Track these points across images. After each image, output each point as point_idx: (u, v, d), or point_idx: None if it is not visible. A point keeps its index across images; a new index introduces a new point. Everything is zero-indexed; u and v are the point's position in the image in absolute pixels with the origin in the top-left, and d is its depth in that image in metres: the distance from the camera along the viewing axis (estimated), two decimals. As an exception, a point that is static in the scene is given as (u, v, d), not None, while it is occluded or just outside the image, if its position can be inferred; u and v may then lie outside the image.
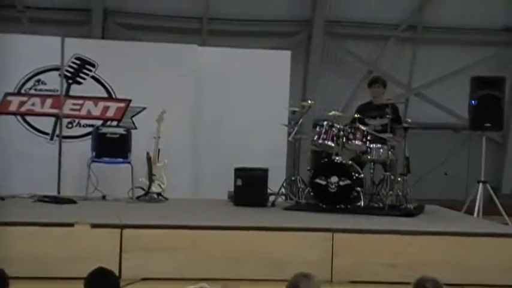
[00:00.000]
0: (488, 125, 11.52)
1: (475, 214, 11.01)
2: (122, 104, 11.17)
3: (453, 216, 10.40)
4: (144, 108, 11.14)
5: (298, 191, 10.16)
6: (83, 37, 13.35)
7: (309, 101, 10.78)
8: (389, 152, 9.85)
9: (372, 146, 9.84)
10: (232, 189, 10.32)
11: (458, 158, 11.92)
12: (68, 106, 11.08)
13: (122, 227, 7.94)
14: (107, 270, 4.72)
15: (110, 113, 11.16)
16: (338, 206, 9.60)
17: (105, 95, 11.15)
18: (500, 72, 15.43)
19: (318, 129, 10.05)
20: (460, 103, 14.09)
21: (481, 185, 11.34)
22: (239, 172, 10.24)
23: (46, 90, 11.02)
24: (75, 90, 11.11)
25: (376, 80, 10.90)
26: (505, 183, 16.49)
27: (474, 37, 16.20)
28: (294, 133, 10.40)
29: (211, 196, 10.78)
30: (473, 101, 11.54)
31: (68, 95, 11.09)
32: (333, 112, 10.27)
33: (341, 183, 9.61)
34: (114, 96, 11.16)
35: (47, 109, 11.02)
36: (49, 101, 11.03)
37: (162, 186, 10.36)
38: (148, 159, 10.35)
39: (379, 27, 16.02)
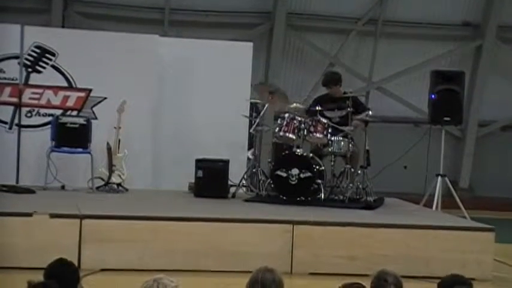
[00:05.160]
0: (448, 119, 11.60)
1: (434, 207, 11.10)
2: (82, 94, 11.07)
3: (412, 209, 10.49)
4: (104, 98, 11.05)
5: (259, 183, 10.16)
6: (43, 25, 13.20)
7: (295, 104, 10.46)
8: (350, 145, 9.90)
9: (332, 138, 9.88)
10: (193, 180, 10.30)
11: (418, 152, 11.97)
12: (27, 95, 10.95)
13: (81, 217, 7.89)
14: (67, 261, 4.68)
15: (70, 103, 11.05)
16: (298, 198, 9.63)
17: (65, 84, 11.04)
18: (460, 66, 15.59)
19: (279, 121, 10.07)
20: (420, 97, 14.23)
21: (439, 178, 11.44)
22: (200, 163, 10.22)
23: (5, 78, 10.88)
24: (34, 79, 10.98)
25: (327, 83, 10.61)
26: (463, 177, 16.68)
27: (434, 32, 16.33)
28: (255, 125, 10.40)
29: (172, 187, 10.76)
30: (433, 95, 11.62)
31: (27, 84, 10.96)
32: (294, 104, 10.29)
33: (302, 175, 9.64)
34: (74, 86, 11.05)
35: (5, 98, 10.88)
36: (8, 89, 10.90)
37: (122, 176, 10.31)
38: (109, 149, 10.29)
39: (340, 20, 16.08)
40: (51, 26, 13.89)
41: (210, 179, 10.15)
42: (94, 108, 11.07)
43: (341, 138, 9.89)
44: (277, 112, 10.47)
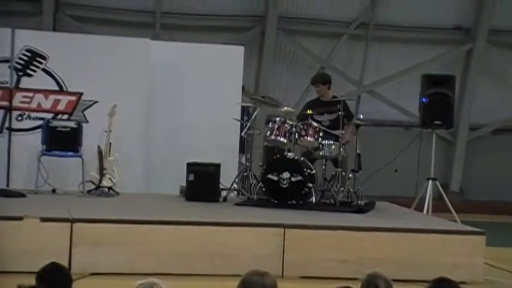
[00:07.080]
0: (439, 122, 11.64)
1: (425, 211, 11.12)
2: (73, 97, 11.06)
3: (403, 212, 10.50)
4: (95, 102, 11.04)
5: (250, 187, 10.16)
6: (34, 29, 13.18)
7: (286, 108, 10.41)
8: (341, 149, 9.91)
9: (323, 142, 9.89)
10: (184, 184, 10.29)
11: (409, 155, 11.99)
12: (18, 99, 10.93)
13: (72, 221, 7.88)
14: (60, 265, 4.67)
15: (61, 106, 11.04)
16: (290, 202, 9.63)
17: (56, 87, 11.02)
18: (450, 70, 15.63)
19: (270, 125, 10.08)
20: (411, 101, 14.23)
21: (430, 182, 11.46)
22: (191, 167, 10.21)
23: (-5, 82, 10.88)
24: (25, 82, 10.97)
25: (315, 81, 10.86)
26: (454, 180, 16.72)
27: (425, 35, 16.37)
28: (246, 128, 10.41)
29: (163, 191, 10.75)
30: (423, 99, 11.65)
31: (18, 88, 10.94)
32: (286, 108, 10.30)
33: (293, 179, 9.64)
34: (65, 89, 11.04)
35: (-4, 101, 10.88)
36: (-2, 93, 10.89)
37: (113, 180, 10.29)
38: (100, 153, 10.27)
39: (331, 24, 16.10)
40: (42, 30, 13.87)
41: (202, 183, 10.14)
42: (85, 112, 11.06)
43: (332, 142, 9.90)
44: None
